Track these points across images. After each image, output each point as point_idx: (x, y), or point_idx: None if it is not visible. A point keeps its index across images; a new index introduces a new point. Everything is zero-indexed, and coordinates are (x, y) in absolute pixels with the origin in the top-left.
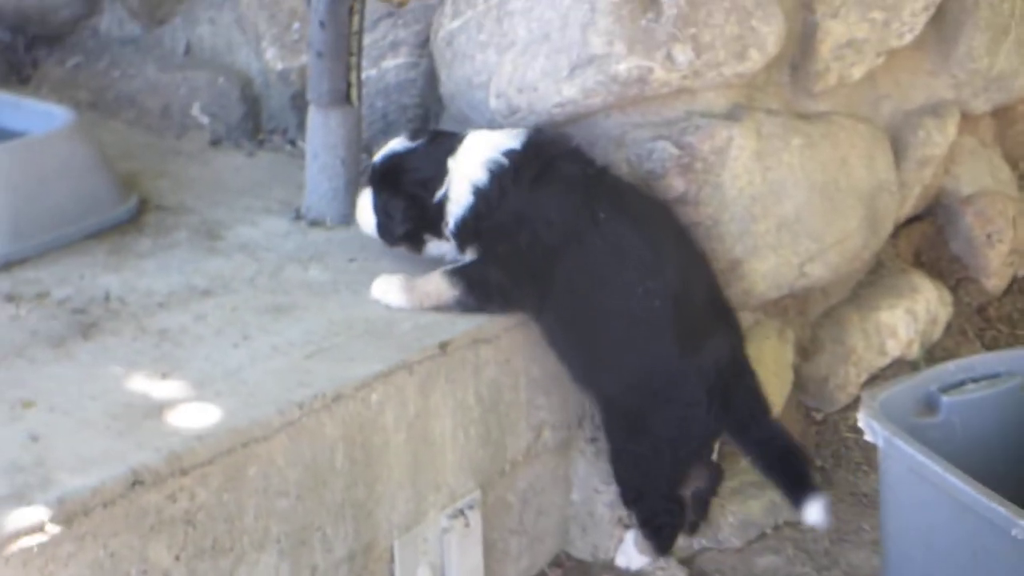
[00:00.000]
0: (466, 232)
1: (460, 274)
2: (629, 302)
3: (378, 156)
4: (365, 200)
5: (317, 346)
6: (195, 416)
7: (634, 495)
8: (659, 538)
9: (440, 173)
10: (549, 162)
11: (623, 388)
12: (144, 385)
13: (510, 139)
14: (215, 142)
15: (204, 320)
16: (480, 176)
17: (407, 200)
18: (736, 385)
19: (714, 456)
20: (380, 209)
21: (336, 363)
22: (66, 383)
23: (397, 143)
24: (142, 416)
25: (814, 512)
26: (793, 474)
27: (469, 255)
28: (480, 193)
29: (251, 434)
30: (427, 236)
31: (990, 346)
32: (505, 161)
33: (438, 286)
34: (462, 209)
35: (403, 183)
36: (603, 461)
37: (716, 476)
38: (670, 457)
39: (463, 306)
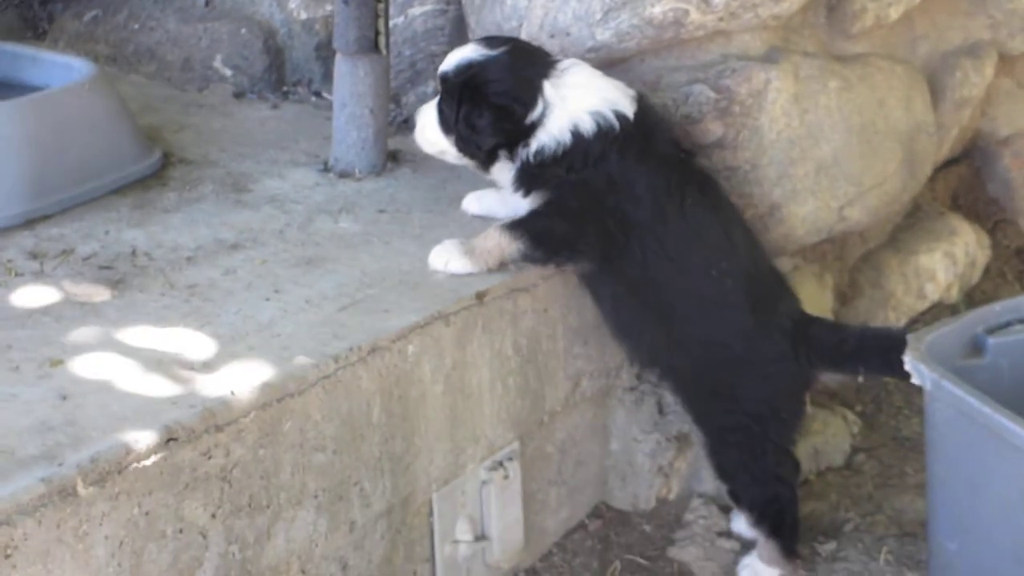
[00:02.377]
0: (542, 169)
1: (522, 227)
2: (702, 282)
3: (449, 64)
4: (430, 114)
5: (351, 298)
6: (228, 371)
7: (745, 482)
8: (783, 531)
9: (532, 92)
10: (650, 136)
11: (704, 364)
12: (175, 341)
13: (622, 98)
14: (238, 94)
15: (234, 274)
16: (586, 125)
17: (497, 112)
18: (812, 327)
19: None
20: (461, 121)
21: (371, 315)
22: (94, 340)
23: (471, 51)
24: (174, 372)
25: None
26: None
27: (530, 200)
28: (580, 142)
29: (286, 388)
30: (502, 153)
31: None
32: (615, 124)
33: (499, 242)
34: (554, 145)
35: (489, 94)
36: (643, 410)
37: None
38: (772, 420)
39: (529, 259)
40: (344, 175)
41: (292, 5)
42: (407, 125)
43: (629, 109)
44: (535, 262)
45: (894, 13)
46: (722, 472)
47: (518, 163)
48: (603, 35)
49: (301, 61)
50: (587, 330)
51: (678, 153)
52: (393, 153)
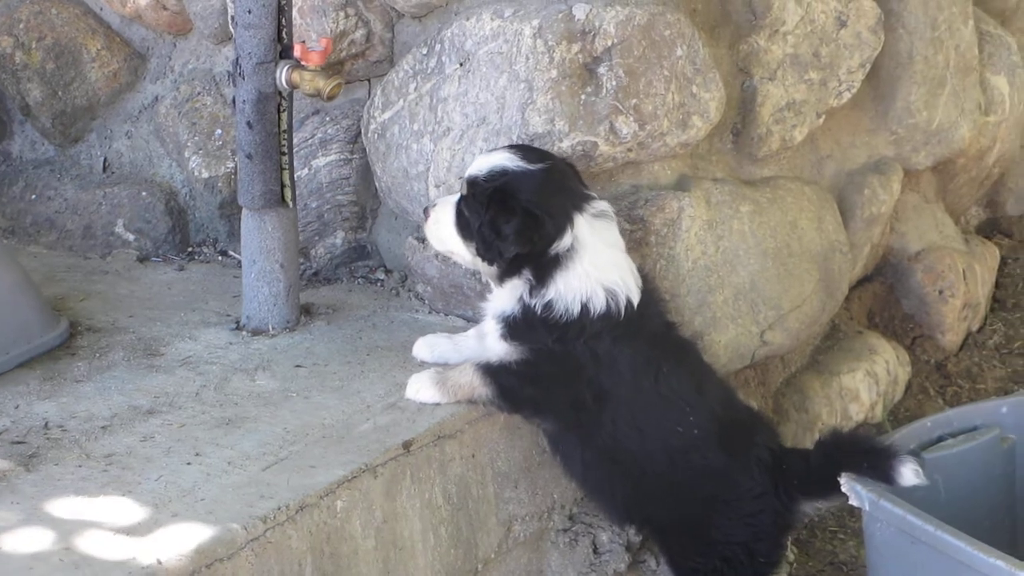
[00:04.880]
0: (539, 327)
1: (494, 377)
2: (670, 439)
3: (480, 169)
4: (448, 212)
5: (275, 456)
6: (153, 540)
7: None
8: None
9: (563, 218)
10: (643, 316)
11: (678, 508)
12: (95, 513)
13: (632, 278)
14: (143, 258)
15: (152, 440)
16: (597, 302)
17: (526, 219)
18: (790, 458)
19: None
20: (486, 225)
21: (296, 472)
22: (11, 519)
23: (506, 159)
24: (97, 546)
25: (908, 475)
26: (870, 457)
27: (506, 346)
28: (584, 317)
29: (214, 554)
30: (524, 271)
31: (952, 402)
32: (622, 310)
33: (471, 380)
34: (562, 311)
35: (522, 200)
36: (577, 551)
37: None
38: (747, 565)
39: (495, 406)
40: (257, 332)
41: (192, 165)
42: (317, 277)
43: (636, 293)
44: (501, 410)
45: (799, 135)
46: None
47: (521, 304)
48: None
49: (205, 220)
50: (517, 473)
51: (663, 326)
52: (306, 307)
